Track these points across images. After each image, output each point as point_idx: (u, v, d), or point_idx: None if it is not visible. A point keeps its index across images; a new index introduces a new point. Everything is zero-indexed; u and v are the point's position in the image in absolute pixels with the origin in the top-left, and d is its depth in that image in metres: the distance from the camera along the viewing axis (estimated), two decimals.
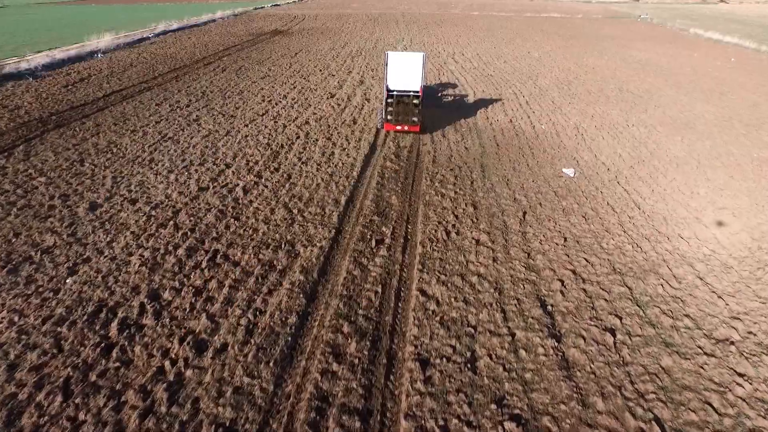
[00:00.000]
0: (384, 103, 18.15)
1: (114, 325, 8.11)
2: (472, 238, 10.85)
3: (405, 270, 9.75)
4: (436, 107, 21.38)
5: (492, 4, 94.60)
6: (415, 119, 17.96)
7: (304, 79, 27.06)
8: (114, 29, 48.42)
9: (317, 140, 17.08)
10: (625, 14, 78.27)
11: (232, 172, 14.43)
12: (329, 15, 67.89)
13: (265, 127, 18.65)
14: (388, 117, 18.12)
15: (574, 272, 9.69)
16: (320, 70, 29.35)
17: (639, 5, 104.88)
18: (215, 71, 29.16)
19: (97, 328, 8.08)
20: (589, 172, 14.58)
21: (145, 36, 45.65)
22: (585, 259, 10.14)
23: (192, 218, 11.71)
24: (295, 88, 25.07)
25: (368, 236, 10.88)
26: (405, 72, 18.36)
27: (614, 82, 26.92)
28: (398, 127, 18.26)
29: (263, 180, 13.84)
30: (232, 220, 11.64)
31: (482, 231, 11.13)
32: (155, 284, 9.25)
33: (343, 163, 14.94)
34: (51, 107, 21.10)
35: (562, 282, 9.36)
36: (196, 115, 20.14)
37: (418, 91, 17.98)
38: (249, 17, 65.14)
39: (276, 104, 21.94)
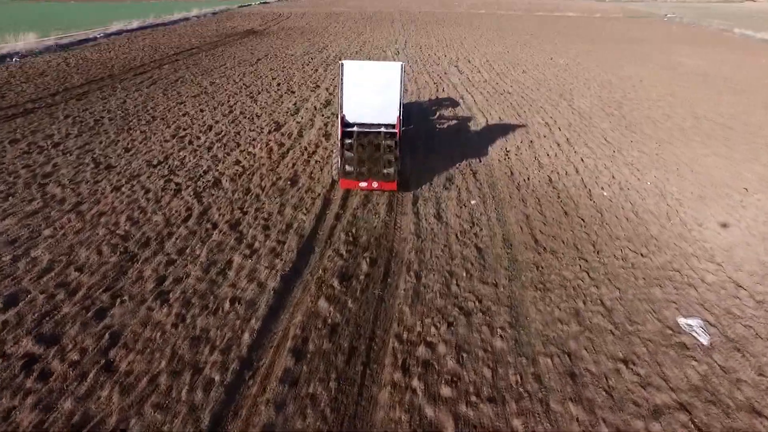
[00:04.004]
0: (339, 144, 10.94)
1: None
2: None
3: None
4: (428, 139, 13.96)
5: (499, 2, 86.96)
6: (390, 171, 10.74)
7: (251, 98, 19.66)
8: (61, 28, 41.43)
9: (214, 228, 9.65)
10: (647, 13, 70.57)
11: (5, 323, 7.03)
12: (318, 13, 60.56)
13: (146, 192, 11.26)
14: (347, 168, 10.88)
15: None
16: (278, 84, 21.93)
17: (658, 4, 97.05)
18: (141, 85, 21.84)
19: None
20: (737, 329, 7.07)
21: (92, 36, 38.45)
22: None
23: None
24: (231, 112, 17.67)
25: None
26: (372, 94, 11.25)
27: (679, 104, 19.40)
28: (362, 185, 11.00)
29: (51, 355, 6.43)
30: None
31: None
32: None
33: (235, 302, 7.50)
34: None
35: None
36: (55, 164, 12.78)
37: (393, 125, 10.86)
38: (228, 15, 57.99)
39: (190, 142, 14.57)
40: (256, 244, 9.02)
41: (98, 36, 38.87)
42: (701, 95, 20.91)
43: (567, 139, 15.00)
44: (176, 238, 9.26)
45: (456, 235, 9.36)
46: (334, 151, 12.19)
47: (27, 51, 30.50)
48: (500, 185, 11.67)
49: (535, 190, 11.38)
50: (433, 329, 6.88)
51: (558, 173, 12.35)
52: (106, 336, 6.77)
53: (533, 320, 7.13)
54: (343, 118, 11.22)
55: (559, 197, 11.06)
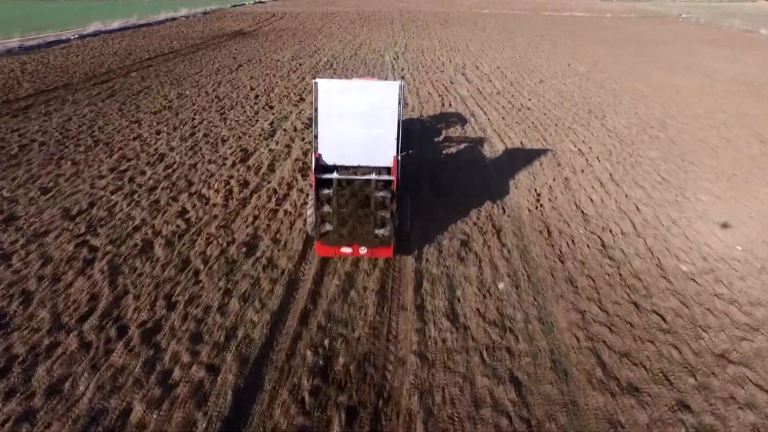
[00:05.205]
0: (313, 195, 7.81)
1: None
2: None
3: None
4: (432, 171, 10.77)
5: (502, 2, 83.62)
6: (384, 233, 7.61)
7: (221, 115, 16.48)
8: (38, 29, 38.46)
9: (120, 336, 6.43)
10: (659, 13, 67.29)
11: None
12: (314, 13, 57.36)
13: (44, 263, 8.08)
14: (325, 227, 7.74)
15: None
16: (256, 97, 18.75)
17: (667, 3, 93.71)
18: (97, 97, 18.71)
19: None
20: None
21: (64, 38, 35.32)
22: None
23: None
24: (193, 135, 14.50)
25: None
26: (359, 127, 8.09)
27: (735, 122, 16.19)
28: (346, 250, 7.90)
29: None
30: None
31: None
32: None
33: None
34: None
35: None
36: None
37: (388, 169, 7.81)
38: (219, 15, 54.82)
39: (130, 179, 11.39)
40: (175, 374, 5.83)
41: (72, 37, 35.77)
42: (755, 110, 17.72)
43: (611, 174, 11.80)
44: (56, 359, 6.08)
45: (481, 353, 6.17)
46: (310, 196, 8.96)
47: None
48: (536, 253, 8.47)
49: (586, 263, 8.18)
50: None
51: (611, 231, 9.15)
52: None
53: None
54: (318, 159, 8.03)
55: (620, 275, 7.85)
